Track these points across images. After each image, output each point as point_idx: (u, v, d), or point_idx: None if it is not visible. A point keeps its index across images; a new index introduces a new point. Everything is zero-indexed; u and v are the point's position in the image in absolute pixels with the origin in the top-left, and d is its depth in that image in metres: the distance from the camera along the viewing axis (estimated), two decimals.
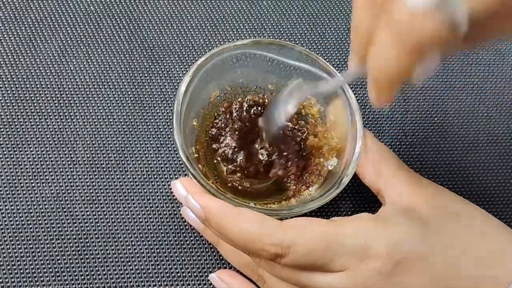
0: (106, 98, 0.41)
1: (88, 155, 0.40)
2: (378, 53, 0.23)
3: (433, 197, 0.33)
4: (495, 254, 0.31)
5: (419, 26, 0.22)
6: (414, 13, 0.21)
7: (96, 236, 0.38)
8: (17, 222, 0.38)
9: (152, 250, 0.38)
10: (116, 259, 0.37)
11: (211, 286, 0.38)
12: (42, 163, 0.39)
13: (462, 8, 0.21)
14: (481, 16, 0.21)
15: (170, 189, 0.39)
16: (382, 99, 0.25)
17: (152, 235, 0.38)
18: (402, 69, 0.23)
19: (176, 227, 0.39)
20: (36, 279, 0.37)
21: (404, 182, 0.34)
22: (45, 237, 0.37)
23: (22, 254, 0.37)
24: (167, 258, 0.38)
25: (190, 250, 0.38)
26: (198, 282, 0.38)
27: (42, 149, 0.40)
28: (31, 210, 0.38)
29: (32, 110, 0.41)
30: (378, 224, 0.30)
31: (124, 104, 0.41)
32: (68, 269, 0.37)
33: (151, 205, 0.39)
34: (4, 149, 0.39)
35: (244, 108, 0.38)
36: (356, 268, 0.29)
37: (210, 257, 0.38)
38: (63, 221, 0.38)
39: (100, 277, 0.37)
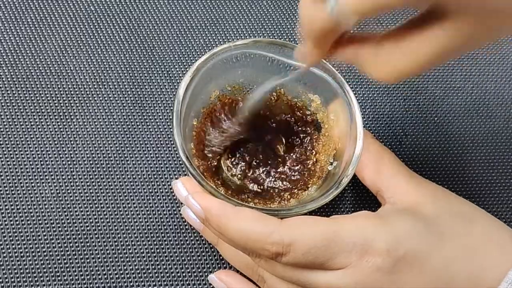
0: (106, 98, 0.41)
1: (88, 155, 0.40)
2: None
3: (433, 197, 0.33)
4: (496, 254, 0.31)
5: (311, 17, 0.26)
6: (308, 4, 0.26)
7: (96, 236, 0.38)
8: (17, 222, 0.38)
9: (152, 250, 0.38)
10: (116, 259, 0.37)
11: (211, 286, 0.38)
12: (42, 163, 0.39)
13: (341, 7, 0.24)
14: (361, 17, 0.24)
15: (171, 188, 0.39)
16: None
17: (152, 235, 0.38)
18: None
19: (176, 227, 0.39)
20: (36, 279, 0.37)
21: (404, 182, 0.34)
22: (45, 237, 0.37)
23: (22, 254, 0.37)
24: (167, 258, 0.38)
25: (190, 250, 0.38)
26: (198, 282, 0.38)
27: (42, 149, 0.40)
28: (31, 210, 0.38)
29: (32, 110, 0.41)
30: (378, 221, 0.30)
31: (124, 104, 0.41)
32: (68, 269, 0.37)
33: (151, 205, 0.39)
34: (4, 149, 0.39)
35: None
36: (357, 265, 0.29)
37: (210, 257, 0.38)
38: (63, 221, 0.38)
39: (100, 277, 0.37)
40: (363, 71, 0.28)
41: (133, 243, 0.38)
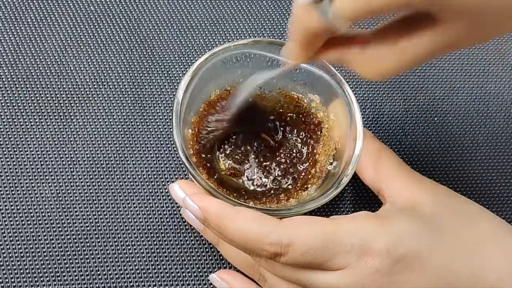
0: (106, 98, 0.41)
1: (88, 155, 0.40)
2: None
3: (434, 195, 0.33)
4: (497, 253, 0.31)
5: (304, 20, 0.26)
6: (301, 7, 0.26)
7: (96, 236, 0.38)
8: (17, 222, 0.38)
9: (152, 250, 0.38)
10: (116, 259, 0.38)
11: (211, 286, 0.38)
12: (42, 163, 0.39)
13: (332, 10, 0.24)
14: (353, 20, 0.24)
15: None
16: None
17: (152, 235, 0.38)
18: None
19: (176, 227, 0.39)
20: (36, 279, 0.37)
21: (405, 181, 0.34)
22: (45, 237, 0.37)
23: (22, 254, 0.37)
24: (167, 258, 0.38)
25: (190, 250, 0.38)
26: (198, 282, 0.38)
27: (42, 149, 0.40)
28: (31, 210, 0.38)
29: (32, 110, 0.41)
30: (377, 222, 0.30)
31: (124, 104, 0.42)
32: (68, 269, 0.37)
33: (151, 205, 0.39)
34: (4, 149, 0.39)
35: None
36: (356, 266, 0.29)
37: (210, 257, 0.38)
38: (63, 221, 0.38)
39: (100, 277, 0.37)
40: (350, 69, 0.29)
41: (133, 243, 0.38)
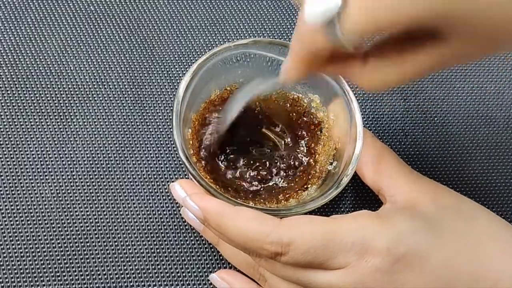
0: (106, 98, 0.41)
1: (88, 155, 0.40)
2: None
3: (434, 195, 0.33)
4: (498, 253, 0.31)
5: (310, 39, 0.26)
6: (308, 27, 0.25)
7: (96, 236, 0.38)
8: (17, 222, 0.38)
9: (152, 250, 0.38)
10: (116, 259, 0.37)
11: (211, 286, 0.38)
12: (42, 163, 0.39)
13: (341, 29, 0.24)
14: (362, 39, 0.24)
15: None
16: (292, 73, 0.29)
17: (152, 235, 0.38)
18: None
19: (176, 227, 0.39)
20: (36, 279, 0.37)
21: (405, 180, 0.34)
22: (45, 237, 0.37)
23: (22, 254, 0.37)
24: (167, 258, 0.38)
25: (190, 250, 0.38)
26: (198, 282, 0.38)
27: (42, 149, 0.40)
28: (31, 210, 0.38)
29: (32, 110, 0.41)
30: (378, 221, 0.30)
31: (124, 104, 0.42)
32: (68, 269, 0.37)
33: (151, 205, 0.39)
34: (4, 149, 0.39)
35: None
36: (356, 265, 0.29)
37: (210, 257, 0.38)
38: (63, 221, 0.38)
39: (100, 277, 0.37)
40: (350, 82, 0.29)
41: (133, 243, 0.38)
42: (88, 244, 0.38)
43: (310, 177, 0.37)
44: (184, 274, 0.38)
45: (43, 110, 0.41)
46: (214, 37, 0.44)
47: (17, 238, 0.37)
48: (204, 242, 0.38)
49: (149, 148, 0.40)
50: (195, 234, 0.39)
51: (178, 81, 0.43)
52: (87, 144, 0.40)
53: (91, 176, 0.39)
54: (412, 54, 0.26)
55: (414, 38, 0.26)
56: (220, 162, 0.37)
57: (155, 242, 0.38)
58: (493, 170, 0.43)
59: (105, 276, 0.37)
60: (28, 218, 0.38)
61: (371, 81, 0.28)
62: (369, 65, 0.27)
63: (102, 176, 0.39)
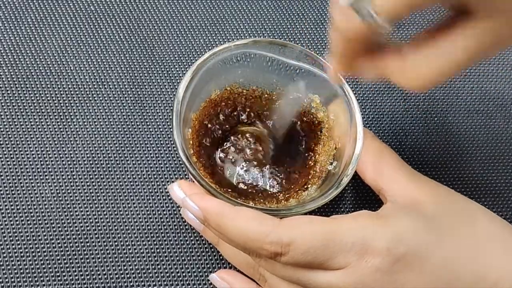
0: (106, 98, 0.41)
1: (88, 155, 0.40)
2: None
3: (434, 195, 0.33)
4: (498, 253, 0.31)
5: (345, 25, 0.26)
6: (343, 10, 0.25)
7: (96, 236, 0.38)
8: (17, 222, 0.38)
9: (152, 250, 0.38)
10: (116, 259, 0.37)
11: (211, 286, 0.38)
12: (42, 163, 0.39)
13: (373, 10, 0.24)
14: (395, 17, 0.24)
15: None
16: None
17: (152, 235, 0.38)
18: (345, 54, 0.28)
19: (176, 227, 0.39)
20: (36, 279, 0.37)
21: (405, 180, 0.34)
22: (45, 237, 0.37)
23: (22, 254, 0.37)
24: (167, 258, 0.38)
25: (190, 250, 0.38)
26: (198, 282, 0.38)
27: (42, 149, 0.40)
28: (31, 210, 0.38)
29: (32, 110, 0.41)
30: (378, 221, 0.30)
31: (124, 104, 0.42)
32: (68, 269, 0.37)
33: (151, 205, 0.39)
34: (4, 149, 0.39)
35: (244, 110, 0.38)
36: (356, 265, 0.29)
37: (210, 257, 0.38)
38: (63, 221, 0.38)
39: (100, 277, 0.37)
40: (391, 81, 0.28)
41: (133, 243, 0.38)
42: (88, 244, 0.38)
43: (310, 177, 0.37)
44: (184, 274, 0.38)
45: (43, 110, 0.41)
46: (214, 37, 0.44)
47: (17, 238, 0.37)
48: (204, 242, 0.38)
49: (149, 148, 0.40)
50: (195, 234, 0.39)
51: (178, 81, 0.43)
52: (87, 144, 0.40)
53: (91, 176, 0.39)
54: (448, 40, 0.25)
55: (449, 26, 0.25)
56: (220, 162, 0.37)
57: (155, 242, 0.38)
58: (493, 170, 0.43)
59: (105, 276, 0.37)
60: (28, 218, 0.38)
61: (411, 76, 0.27)
62: (408, 59, 0.27)
63: (102, 176, 0.39)
